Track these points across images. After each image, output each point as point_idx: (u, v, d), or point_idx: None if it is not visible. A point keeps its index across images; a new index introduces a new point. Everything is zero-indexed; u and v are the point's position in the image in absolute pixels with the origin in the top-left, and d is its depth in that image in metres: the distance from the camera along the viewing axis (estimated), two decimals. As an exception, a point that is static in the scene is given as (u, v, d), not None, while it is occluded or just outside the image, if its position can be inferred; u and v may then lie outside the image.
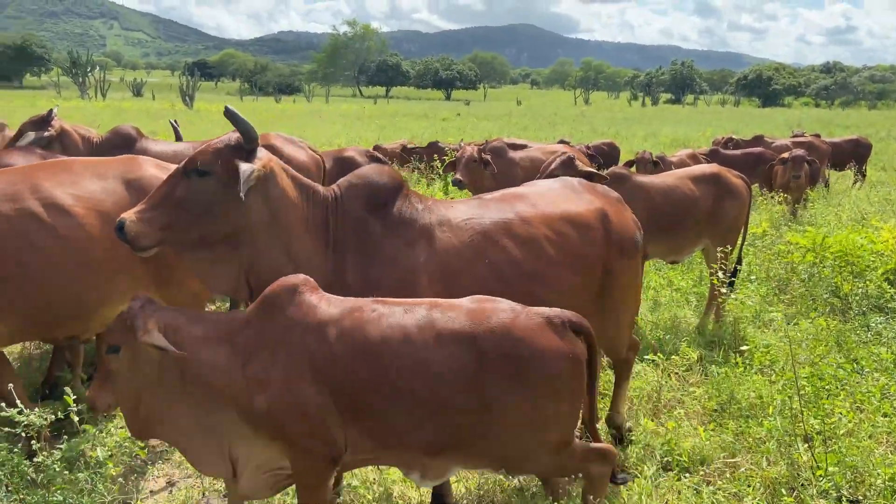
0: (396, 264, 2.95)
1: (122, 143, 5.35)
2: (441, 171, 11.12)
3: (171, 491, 3.55)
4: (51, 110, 5.29)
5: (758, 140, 13.51)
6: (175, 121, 7.02)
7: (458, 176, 7.13)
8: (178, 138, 6.55)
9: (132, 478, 3.62)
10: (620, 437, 3.88)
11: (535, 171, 7.54)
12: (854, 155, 13.41)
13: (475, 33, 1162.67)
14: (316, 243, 2.96)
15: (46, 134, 5.09)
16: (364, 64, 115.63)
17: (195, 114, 36.89)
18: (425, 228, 3.05)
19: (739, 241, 5.91)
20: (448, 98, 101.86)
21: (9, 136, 8.48)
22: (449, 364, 2.45)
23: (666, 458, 3.67)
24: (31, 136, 5.09)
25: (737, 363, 4.55)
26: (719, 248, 5.46)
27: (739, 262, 6.01)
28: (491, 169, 7.30)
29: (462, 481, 3.53)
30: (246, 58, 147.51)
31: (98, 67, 67.47)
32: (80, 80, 60.78)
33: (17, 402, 2.94)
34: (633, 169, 6.50)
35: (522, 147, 8.70)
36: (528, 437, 2.55)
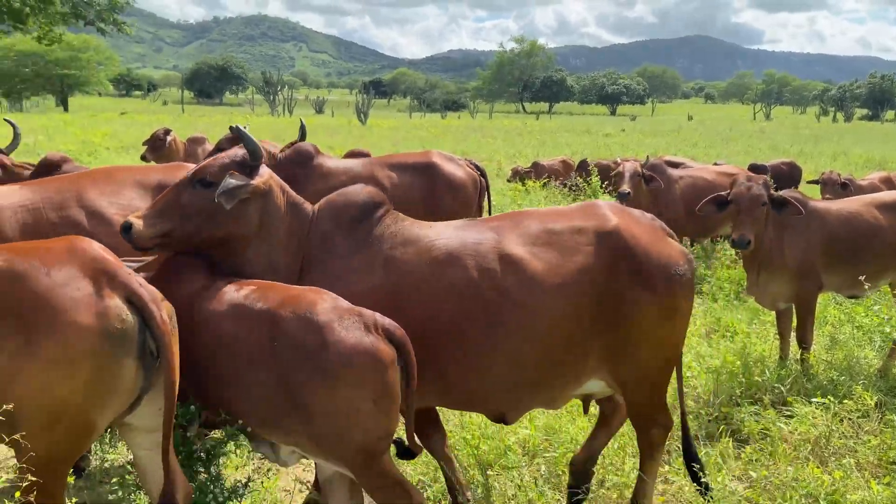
0: (349, 283, 2.97)
1: (301, 159, 5.86)
2: (590, 186, 11.01)
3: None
4: (239, 127, 5.90)
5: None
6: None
7: (625, 188, 7.04)
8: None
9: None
10: None
11: (695, 191, 7.23)
12: None
13: (646, 46, 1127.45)
14: (293, 257, 3.12)
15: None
16: (529, 80, 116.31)
17: (367, 129, 39.16)
18: (389, 248, 3.03)
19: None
20: (613, 113, 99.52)
21: (208, 150, 9.62)
22: (248, 339, 2.64)
23: (829, 511, 3.36)
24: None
25: (924, 414, 4.05)
26: (910, 284, 4.89)
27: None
28: (656, 184, 7.12)
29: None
30: (417, 76, 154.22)
31: (287, 86, 73.71)
32: (271, 98, 66.79)
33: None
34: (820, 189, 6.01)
35: (682, 166, 8.36)
36: (327, 423, 2.59)
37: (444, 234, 3.07)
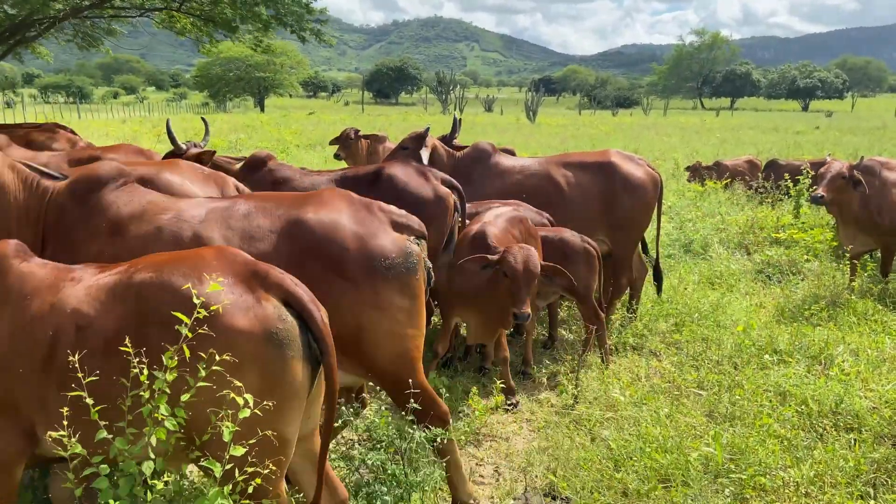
0: (77, 252, 3.06)
1: (479, 156, 5.95)
2: (790, 191, 10.03)
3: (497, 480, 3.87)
4: (427, 128, 6.11)
5: None
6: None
7: (820, 192, 6.42)
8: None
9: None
10: None
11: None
12: None
13: (846, 35, 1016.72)
14: (31, 230, 3.26)
15: (425, 149, 5.89)
16: (709, 74, 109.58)
17: (536, 127, 39.05)
18: (116, 218, 3.15)
19: None
20: (805, 109, 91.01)
21: (389, 148, 10.09)
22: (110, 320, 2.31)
23: None
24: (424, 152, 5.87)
25: None
26: None
27: None
28: (861, 189, 6.41)
29: None
30: (587, 73, 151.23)
31: (458, 85, 75.50)
32: (443, 97, 68.75)
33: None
34: None
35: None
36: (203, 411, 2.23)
37: (177, 207, 3.24)
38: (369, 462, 3.10)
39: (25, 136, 9.24)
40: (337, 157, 10.15)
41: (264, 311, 2.30)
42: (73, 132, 9.65)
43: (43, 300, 2.41)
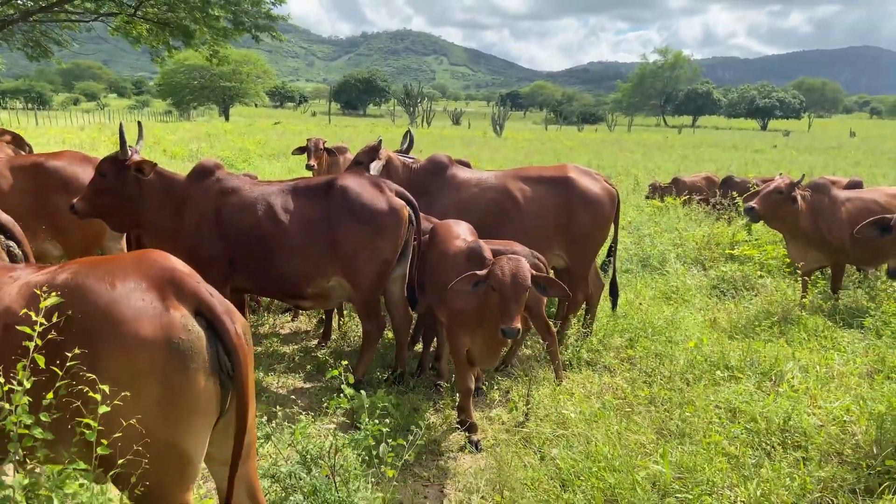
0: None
1: (435, 169, 5.89)
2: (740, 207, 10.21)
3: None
4: (379, 140, 6.04)
5: None
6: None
7: (752, 204, 6.56)
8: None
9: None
10: None
11: (864, 214, 6.52)
12: None
13: (803, 58, 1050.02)
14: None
15: (376, 162, 5.81)
16: (672, 93, 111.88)
17: (502, 141, 39.28)
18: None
19: None
20: (764, 128, 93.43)
21: (349, 160, 9.97)
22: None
23: None
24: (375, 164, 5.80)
25: None
26: None
27: None
28: (797, 206, 6.53)
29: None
30: (554, 89, 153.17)
31: (426, 98, 75.71)
32: (412, 109, 68.84)
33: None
34: None
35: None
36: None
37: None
38: (301, 484, 2.97)
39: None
40: (309, 167, 10.01)
41: (170, 320, 2.20)
42: (20, 138, 9.36)
43: None
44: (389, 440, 3.35)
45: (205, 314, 2.28)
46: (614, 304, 6.26)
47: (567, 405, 4.31)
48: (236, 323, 2.32)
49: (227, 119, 62.79)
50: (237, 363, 2.26)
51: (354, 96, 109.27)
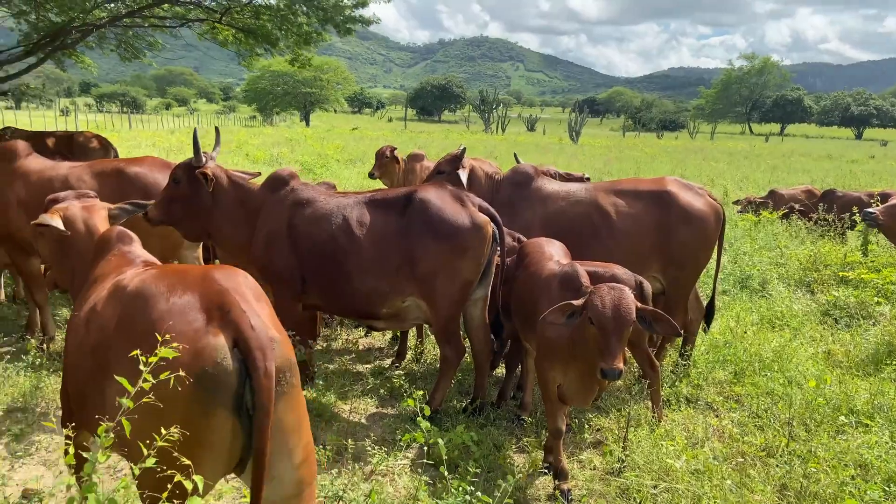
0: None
1: (520, 180, 5.47)
2: (856, 225, 9.27)
3: None
4: (462, 148, 5.67)
5: None
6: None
7: (873, 210, 5.93)
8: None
9: None
10: None
11: None
12: None
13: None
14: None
15: (461, 171, 5.45)
16: (759, 99, 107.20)
17: (578, 148, 38.42)
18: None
19: None
20: (859, 137, 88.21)
21: (427, 167, 9.67)
22: None
23: None
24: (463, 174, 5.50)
25: None
26: None
27: None
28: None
29: None
30: (633, 95, 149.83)
31: (501, 105, 75.28)
32: (486, 116, 68.57)
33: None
34: None
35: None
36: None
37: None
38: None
39: (68, 141, 9.18)
40: (371, 175, 9.79)
41: (205, 346, 2.11)
42: (108, 142, 9.56)
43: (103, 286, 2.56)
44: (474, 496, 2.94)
45: (240, 347, 2.14)
46: (707, 326, 5.64)
47: (670, 452, 3.80)
48: (268, 361, 2.13)
49: (307, 124, 64.21)
50: (258, 406, 2.09)
51: (430, 102, 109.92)
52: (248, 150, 23.30)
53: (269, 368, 2.11)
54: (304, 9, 10.13)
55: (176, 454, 1.99)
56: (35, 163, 5.60)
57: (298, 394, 2.31)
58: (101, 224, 3.18)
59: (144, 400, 1.98)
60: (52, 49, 10.08)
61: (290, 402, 2.25)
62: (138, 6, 10.20)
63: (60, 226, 3.05)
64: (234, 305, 2.17)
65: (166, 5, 10.54)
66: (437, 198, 4.41)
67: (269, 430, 2.08)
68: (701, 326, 5.62)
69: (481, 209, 4.46)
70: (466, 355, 4.90)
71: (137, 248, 2.89)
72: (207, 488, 2.15)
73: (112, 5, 10.24)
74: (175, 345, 2.03)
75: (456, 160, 5.51)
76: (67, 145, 9.17)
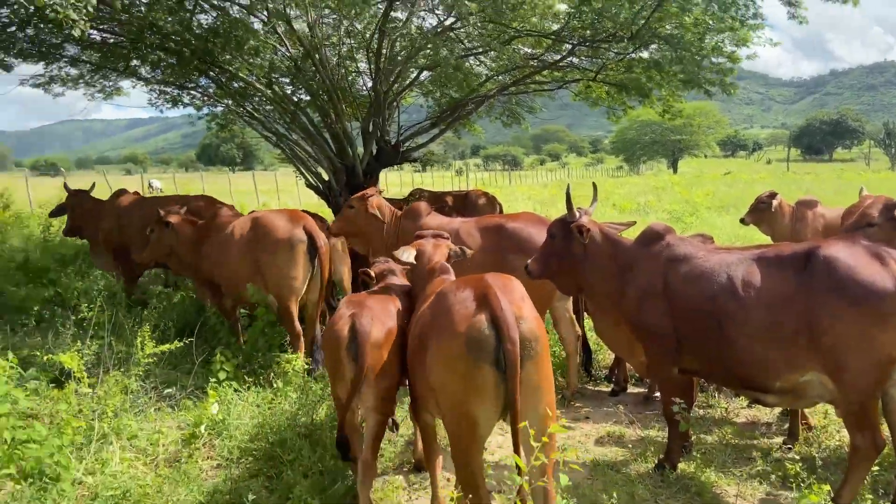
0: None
1: None
2: None
3: None
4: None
5: None
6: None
7: None
8: None
9: None
10: None
11: None
12: None
13: None
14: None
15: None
16: None
17: None
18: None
19: None
20: None
21: (820, 215, 8.42)
22: None
23: None
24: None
25: None
26: None
27: None
28: None
29: None
30: None
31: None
32: (893, 150, 58.20)
33: None
34: None
35: None
36: None
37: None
38: None
39: (463, 199, 10.54)
40: (743, 221, 8.90)
41: (474, 322, 3.06)
42: (493, 198, 10.63)
43: None
44: None
45: (495, 323, 3.03)
46: None
47: None
48: (512, 331, 2.98)
49: (674, 171, 62.78)
50: (508, 363, 2.95)
51: (818, 139, 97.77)
52: (614, 199, 23.59)
53: (514, 336, 2.96)
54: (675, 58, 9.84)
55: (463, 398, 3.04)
56: (434, 220, 6.38)
57: (543, 360, 3.10)
58: (439, 257, 4.19)
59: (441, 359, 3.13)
60: (452, 120, 11.65)
61: (535, 364, 3.05)
62: (522, 75, 11.17)
63: (411, 258, 4.15)
64: (492, 296, 3.07)
65: (546, 71, 11.31)
66: (847, 254, 3.70)
67: (517, 380, 2.92)
68: None
69: None
70: (887, 448, 3.96)
71: (451, 275, 3.95)
72: (487, 428, 3.09)
73: (500, 77, 11.39)
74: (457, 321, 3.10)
75: (891, 208, 4.60)
76: (462, 202, 10.45)
